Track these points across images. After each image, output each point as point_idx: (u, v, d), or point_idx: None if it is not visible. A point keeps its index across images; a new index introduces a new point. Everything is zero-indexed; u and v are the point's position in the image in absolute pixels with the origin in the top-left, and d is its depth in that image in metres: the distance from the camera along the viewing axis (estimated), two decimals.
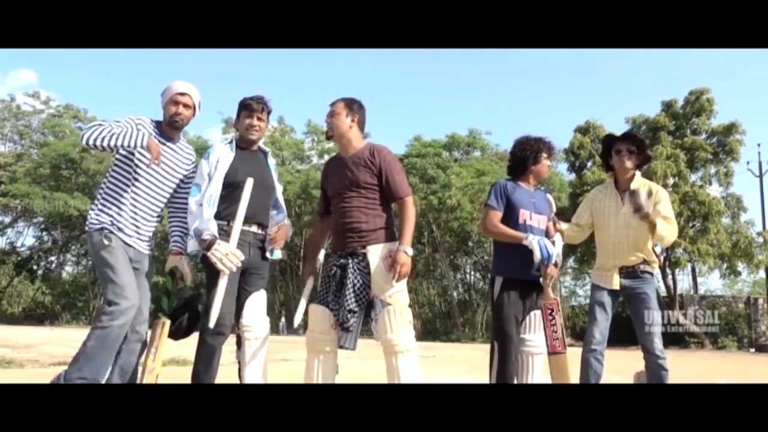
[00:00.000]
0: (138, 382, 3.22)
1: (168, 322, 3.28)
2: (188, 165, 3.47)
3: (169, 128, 3.37)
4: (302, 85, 60.12)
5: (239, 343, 3.37)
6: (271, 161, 3.62)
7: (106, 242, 3.14)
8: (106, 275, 3.12)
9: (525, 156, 3.74)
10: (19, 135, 31.67)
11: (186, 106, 3.35)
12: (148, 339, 3.29)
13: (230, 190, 3.33)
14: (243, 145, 3.50)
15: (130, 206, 3.23)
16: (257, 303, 3.37)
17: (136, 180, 3.24)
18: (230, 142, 3.48)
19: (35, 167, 28.47)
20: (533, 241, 3.49)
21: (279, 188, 3.64)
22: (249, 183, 3.28)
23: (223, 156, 3.38)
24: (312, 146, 28.75)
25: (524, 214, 3.64)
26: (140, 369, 3.28)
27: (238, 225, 3.24)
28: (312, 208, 23.49)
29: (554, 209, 3.88)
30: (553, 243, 3.71)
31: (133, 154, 3.21)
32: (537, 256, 3.47)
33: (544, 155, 3.73)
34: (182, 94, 3.33)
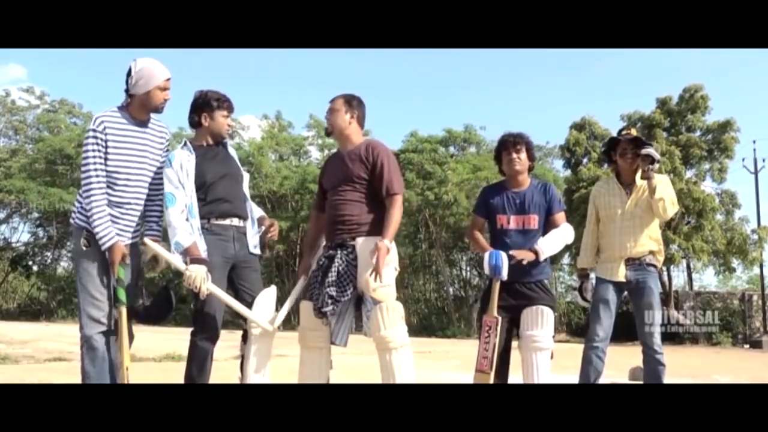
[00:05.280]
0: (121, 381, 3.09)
1: (125, 311, 3.11)
2: (163, 143, 3.37)
3: (143, 112, 3.24)
4: (300, 80, 59.85)
5: (245, 337, 3.36)
6: (232, 150, 3.62)
7: (84, 248, 3.09)
8: (82, 282, 3.12)
9: (496, 154, 3.82)
10: (13, 130, 31.46)
11: (168, 90, 3.27)
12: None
13: (204, 189, 3.33)
14: (205, 142, 3.46)
15: (114, 204, 3.16)
16: (267, 300, 3.34)
17: (109, 174, 3.14)
18: (185, 145, 3.42)
19: (30, 163, 28.27)
20: (485, 258, 3.52)
21: (246, 177, 3.62)
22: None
23: (185, 160, 3.33)
24: (313, 141, 28.61)
25: (501, 219, 3.68)
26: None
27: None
28: (308, 202, 23.46)
29: (557, 196, 3.77)
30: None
31: (106, 148, 3.12)
32: (485, 270, 3.54)
33: (503, 153, 3.74)
34: (169, 79, 3.24)
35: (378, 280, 3.14)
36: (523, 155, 3.70)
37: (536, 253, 3.53)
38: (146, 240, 3.29)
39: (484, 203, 3.80)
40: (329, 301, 3.16)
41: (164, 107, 3.28)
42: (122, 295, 3.09)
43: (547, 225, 3.66)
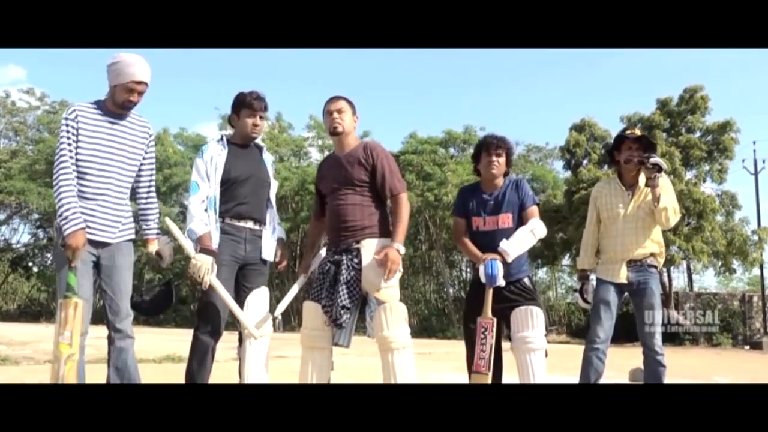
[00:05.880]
0: (59, 374, 2.93)
1: (81, 302, 2.99)
2: (144, 138, 3.30)
3: (116, 105, 3.17)
4: (300, 80, 59.92)
5: (241, 340, 3.36)
6: (267, 156, 3.62)
7: (61, 246, 3.02)
8: (58, 280, 3.11)
9: (476, 153, 3.82)
10: (14, 131, 31.50)
11: (140, 94, 3.14)
12: (58, 322, 3.00)
13: (227, 186, 3.35)
14: (237, 141, 3.49)
15: (89, 197, 3.09)
16: (259, 301, 3.35)
17: (82, 163, 3.09)
18: (221, 140, 3.47)
19: (30, 164, 28.31)
20: (482, 268, 3.51)
21: (274, 184, 3.63)
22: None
23: (216, 154, 3.38)
24: (313, 142, 28.62)
25: (476, 221, 3.72)
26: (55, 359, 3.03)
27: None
28: (308, 204, 23.48)
29: (530, 191, 3.73)
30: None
31: (77, 137, 3.08)
32: (482, 278, 3.53)
33: (483, 154, 3.74)
34: (139, 83, 3.11)
35: (385, 281, 3.16)
36: (503, 159, 3.71)
37: (502, 254, 3.51)
38: (167, 220, 3.26)
39: (462, 204, 3.83)
40: (342, 312, 3.18)
41: (129, 107, 3.17)
42: (74, 281, 2.97)
43: (521, 220, 3.65)
